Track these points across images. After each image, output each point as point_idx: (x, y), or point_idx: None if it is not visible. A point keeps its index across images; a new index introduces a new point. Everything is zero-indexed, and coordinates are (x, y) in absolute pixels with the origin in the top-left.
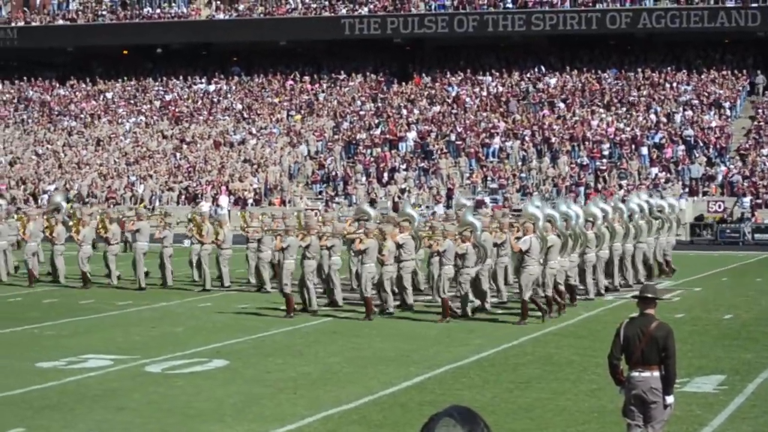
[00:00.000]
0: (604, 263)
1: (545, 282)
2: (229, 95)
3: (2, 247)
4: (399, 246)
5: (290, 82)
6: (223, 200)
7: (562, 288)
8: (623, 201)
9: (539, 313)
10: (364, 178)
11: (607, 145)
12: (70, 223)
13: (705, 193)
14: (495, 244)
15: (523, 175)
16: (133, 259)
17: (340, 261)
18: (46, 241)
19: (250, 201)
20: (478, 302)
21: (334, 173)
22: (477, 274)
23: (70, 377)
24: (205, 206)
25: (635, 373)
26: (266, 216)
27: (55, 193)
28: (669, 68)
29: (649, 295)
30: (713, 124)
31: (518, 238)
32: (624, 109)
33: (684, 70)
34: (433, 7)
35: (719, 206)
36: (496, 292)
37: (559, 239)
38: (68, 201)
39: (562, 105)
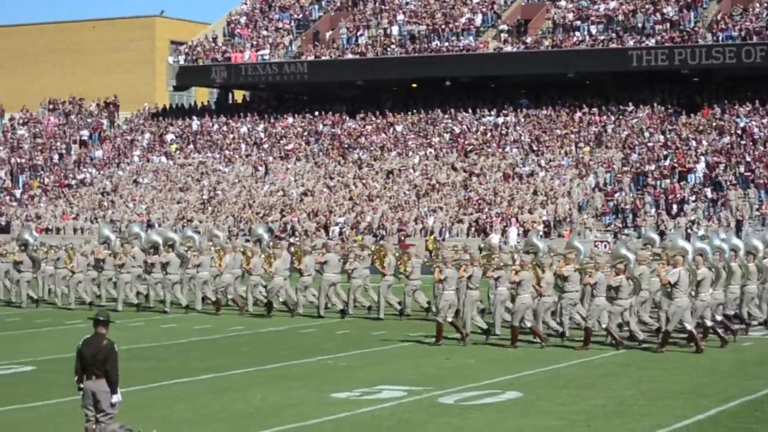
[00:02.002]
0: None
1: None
2: (517, 127)
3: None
4: (564, 278)
5: (578, 114)
6: (513, 232)
7: (717, 318)
8: None
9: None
10: (653, 210)
11: None
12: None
13: None
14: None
15: None
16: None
17: (506, 292)
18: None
19: (540, 233)
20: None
21: (623, 205)
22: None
23: (363, 408)
24: (495, 238)
25: None
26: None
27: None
28: None
29: None
30: None
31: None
32: None
33: None
34: (720, 38)
35: None
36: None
37: (710, 272)
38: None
39: None
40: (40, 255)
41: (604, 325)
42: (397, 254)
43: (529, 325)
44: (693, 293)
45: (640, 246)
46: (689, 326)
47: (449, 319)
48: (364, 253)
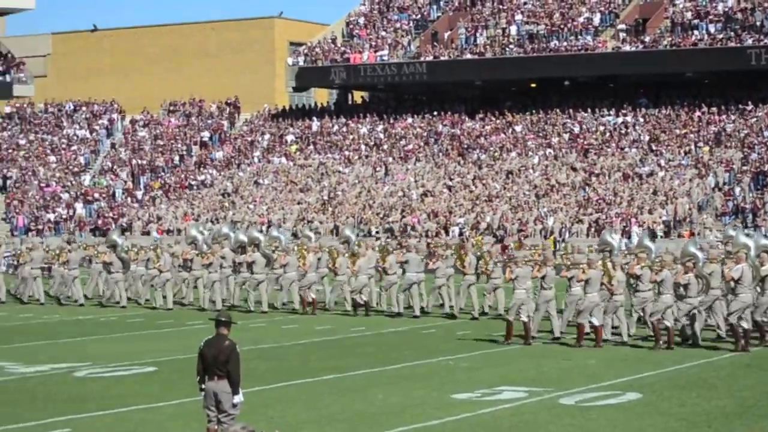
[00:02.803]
0: None
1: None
2: (636, 127)
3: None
4: (637, 277)
5: (697, 113)
6: (634, 232)
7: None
8: None
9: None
10: None
11: None
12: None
13: None
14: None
15: None
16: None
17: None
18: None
19: (660, 234)
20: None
21: (742, 205)
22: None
23: (484, 409)
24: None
25: None
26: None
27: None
28: None
29: None
30: None
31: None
32: None
33: None
34: None
35: None
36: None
37: None
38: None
39: None
40: (130, 256)
41: (666, 323)
42: (479, 253)
43: (596, 323)
44: (758, 289)
45: (717, 243)
46: (746, 324)
47: (523, 319)
48: (447, 252)
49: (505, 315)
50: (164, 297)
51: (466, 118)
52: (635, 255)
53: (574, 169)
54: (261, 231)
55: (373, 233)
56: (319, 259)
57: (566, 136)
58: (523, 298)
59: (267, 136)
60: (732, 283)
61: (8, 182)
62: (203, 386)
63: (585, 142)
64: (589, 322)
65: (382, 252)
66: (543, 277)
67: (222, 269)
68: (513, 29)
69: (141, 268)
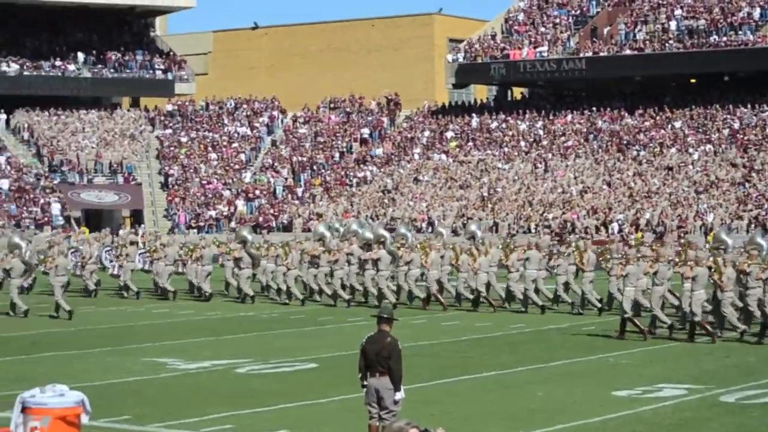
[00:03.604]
0: None
1: None
2: None
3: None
4: (746, 274)
5: None
6: None
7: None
8: None
9: None
10: None
11: None
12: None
13: None
14: None
15: None
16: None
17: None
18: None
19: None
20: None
21: None
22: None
23: (644, 406)
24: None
25: None
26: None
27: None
28: None
29: None
30: None
31: None
32: None
33: None
34: None
35: None
36: None
37: None
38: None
39: None
40: (261, 252)
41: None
42: (599, 250)
43: (696, 319)
44: None
45: None
46: None
47: (627, 315)
48: (569, 249)
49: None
50: (291, 292)
51: (626, 114)
52: (747, 252)
53: (734, 165)
54: (388, 228)
55: (500, 231)
56: (442, 256)
57: (726, 131)
58: (634, 296)
59: (427, 133)
60: None
61: (170, 179)
62: (365, 383)
63: (745, 138)
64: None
65: (504, 249)
66: (655, 273)
67: (350, 266)
68: (673, 24)
69: (271, 265)
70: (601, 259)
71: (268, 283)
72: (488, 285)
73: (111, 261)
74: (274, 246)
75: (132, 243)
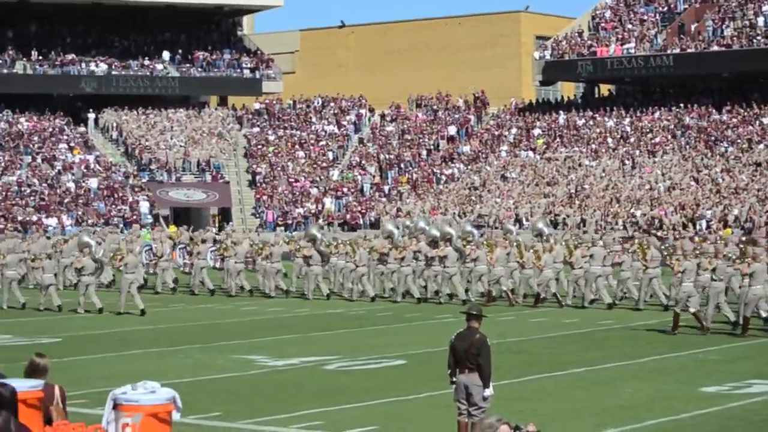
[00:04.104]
0: None
1: None
2: None
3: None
4: None
5: None
6: None
7: None
8: None
9: None
10: None
11: None
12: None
13: None
14: None
15: None
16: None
17: None
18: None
19: None
20: None
21: None
22: None
23: (734, 402)
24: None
25: None
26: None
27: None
28: None
29: None
30: None
31: None
32: None
33: None
34: None
35: None
36: None
37: None
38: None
39: None
40: (331, 250)
41: (764, 314)
42: (664, 246)
43: (764, 315)
44: None
45: None
46: None
47: (691, 310)
48: (633, 247)
49: (672, 306)
50: (362, 290)
51: (713, 111)
52: None
53: None
54: (451, 225)
55: (571, 227)
56: (508, 253)
57: None
58: (690, 291)
59: (514, 130)
60: None
61: (257, 178)
62: (454, 379)
63: None
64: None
65: (569, 246)
66: (714, 270)
67: (417, 263)
68: (760, 20)
69: (341, 262)
70: (665, 254)
71: (338, 280)
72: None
73: (184, 258)
74: (343, 243)
75: (203, 241)
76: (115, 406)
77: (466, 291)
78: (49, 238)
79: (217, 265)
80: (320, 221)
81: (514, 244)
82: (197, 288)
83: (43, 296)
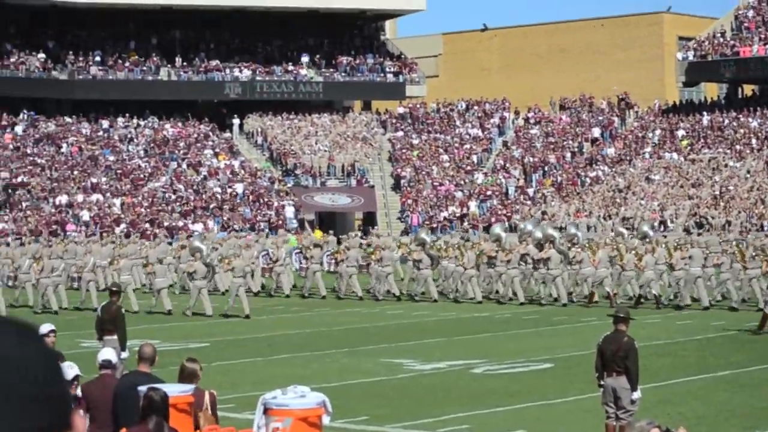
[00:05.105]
0: None
1: None
2: None
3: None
4: None
5: None
6: None
7: None
8: None
9: None
10: None
11: None
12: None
13: None
14: None
15: None
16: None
17: None
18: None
19: None
20: None
21: None
22: None
23: None
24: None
25: None
26: None
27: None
28: None
29: None
30: None
31: None
32: None
33: None
34: None
35: None
36: None
37: None
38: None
39: None
40: (441, 253)
41: None
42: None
43: None
44: None
45: None
46: None
47: None
48: (732, 248)
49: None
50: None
51: None
52: None
53: None
54: (557, 228)
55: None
56: (612, 256)
57: None
58: None
59: (658, 132)
60: None
61: (402, 181)
62: (602, 382)
63: None
64: None
65: (669, 248)
66: None
67: (526, 265)
68: None
69: (451, 265)
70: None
71: (446, 283)
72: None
73: (300, 263)
74: (452, 247)
75: (316, 245)
76: (266, 411)
77: (570, 294)
78: (170, 243)
79: (331, 269)
80: (465, 225)
81: (615, 245)
82: (307, 291)
83: (155, 300)
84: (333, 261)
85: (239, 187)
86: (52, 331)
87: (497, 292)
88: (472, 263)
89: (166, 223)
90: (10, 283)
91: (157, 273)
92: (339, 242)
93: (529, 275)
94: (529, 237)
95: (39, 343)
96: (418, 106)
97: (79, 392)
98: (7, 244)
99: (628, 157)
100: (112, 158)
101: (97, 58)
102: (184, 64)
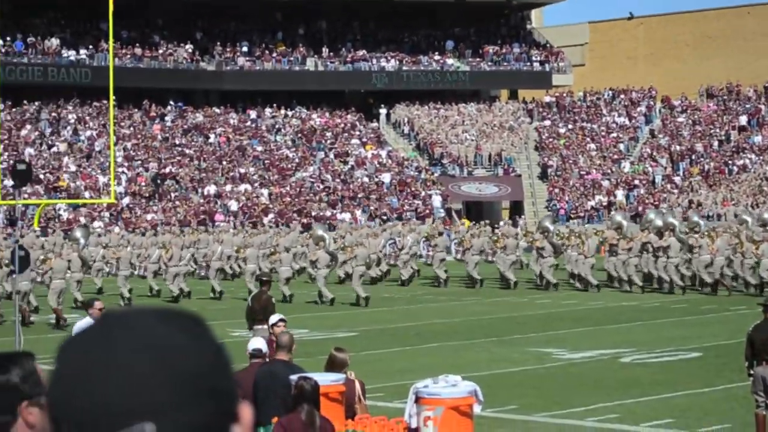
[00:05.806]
0: None
1: None
2: None
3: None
4: None
5: None
6: None
7: None
8: None
9: None
10: None
11: None
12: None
13: None
14: None
15: None
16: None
17: None
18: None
19: None
20: None
21: None
22: None
23: None
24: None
25: None
26: None
27: None
28: None
29: None
30: None
31: None
32: None
33: None
34: None
35: None
36: None
37: None
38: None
39: None
40: (563, 241)
41: None
42: None
43: None
44: None
45: None
46: None
47: None
48: None
49: None
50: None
51: None
52: None
53: None
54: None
55: None
56: (731, 243)
57: None
58: None
59: None
60: None
61: (549, 170)
62: (752, 371)
63: None
64: None
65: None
66: None
67: (645, 254)
68: None
69: (573, 253)
70: None
71: (571, 271)
72: None
73: (427, 251)
74: (574, 235)
75: (440, 234)
76: (417, 400)
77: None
78: (302, 232)
79: (458, 257)
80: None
81: (729, 233)
82: (443, 280)
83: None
84: (460, 250)
85: (386, 177)
86: (282, 320)
87: (620, 280)
88: (593, 251)
89: (314, 213)
90: (142, 273)
91: (282, 261)
92: (493, 231)
93: (653, 263)
94: (650, 225)
95: (210, 334)
96: (564, 95)
97: None
98: (142, 234)
99: None
100: (260, 148)
101: (245, 49)
102: (331, 54)
